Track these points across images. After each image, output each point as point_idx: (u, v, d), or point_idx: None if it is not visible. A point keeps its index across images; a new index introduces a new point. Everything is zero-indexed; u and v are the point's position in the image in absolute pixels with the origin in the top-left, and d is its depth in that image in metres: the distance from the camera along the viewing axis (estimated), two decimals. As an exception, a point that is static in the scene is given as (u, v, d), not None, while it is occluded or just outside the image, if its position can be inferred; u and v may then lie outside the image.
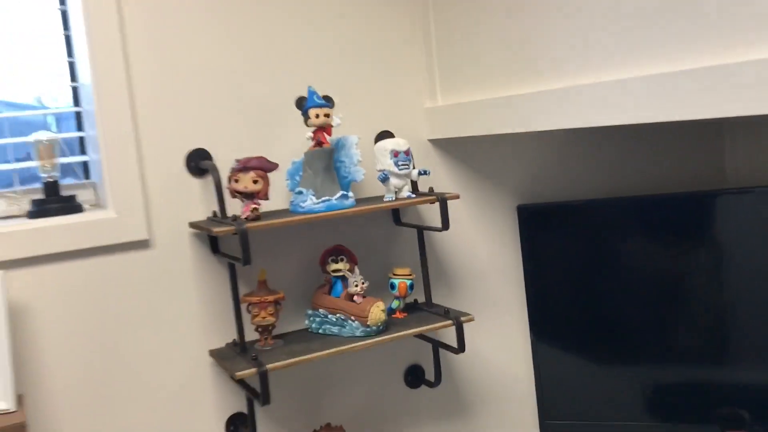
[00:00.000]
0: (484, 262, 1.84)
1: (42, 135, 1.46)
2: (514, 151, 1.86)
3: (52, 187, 1.47)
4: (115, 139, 1.43)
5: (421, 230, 1.65)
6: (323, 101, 1.48)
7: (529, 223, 1.84)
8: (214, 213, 1.48)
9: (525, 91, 1.42)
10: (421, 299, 1.68)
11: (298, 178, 1.52)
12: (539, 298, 1.85)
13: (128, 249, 1.47)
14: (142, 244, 1.48)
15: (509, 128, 1.47)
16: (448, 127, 1.68)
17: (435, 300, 1.74)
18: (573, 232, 1.83)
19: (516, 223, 1.87)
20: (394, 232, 1.72)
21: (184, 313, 1.52)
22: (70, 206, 1.47)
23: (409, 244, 1.71)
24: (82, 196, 1.54)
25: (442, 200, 1.53)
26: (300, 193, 1.47)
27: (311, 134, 1.49)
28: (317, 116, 1.46)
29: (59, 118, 1.62)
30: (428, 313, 1.63)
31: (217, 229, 1.34)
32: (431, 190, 1.58)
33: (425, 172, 1.56)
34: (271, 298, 1.46)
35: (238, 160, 1.40)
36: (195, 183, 1.52)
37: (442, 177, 1.77)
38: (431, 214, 1.74)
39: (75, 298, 1.43)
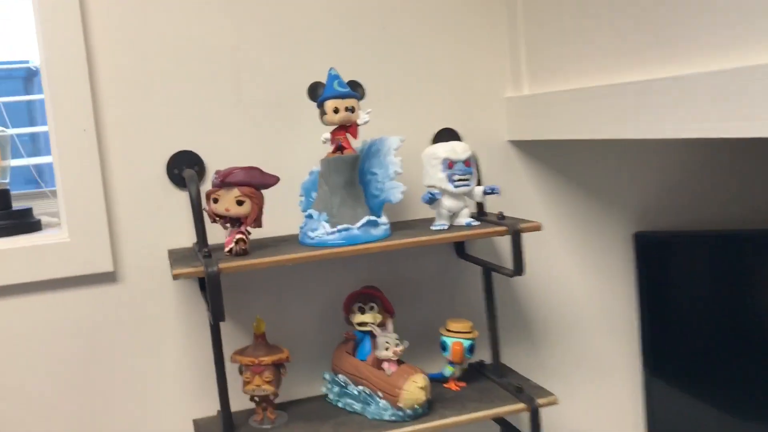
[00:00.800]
0: (583, 307, 1.36)
1: (-17, 129, 1.13)
2: (632, 160, 1.35)
3: (-1, 198, 1.14)
4: (68, 136, 1.07)
5: (488, 270, 1.19)
6: (346, 89, 1.05)
7: (649, 256, 1.35)
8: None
9: (655, 75, 0.93)
10: (490, 359, 1.23)
11: (315, 195, 1.10)
12: (659, 355, 1.36)
13: (87, 283, 1.11)
14: (105, 278, 1.11)
15: (630, 131, 0.98)
16: (538, 124, 1.20)
17: (508, 359, 1.27)
18: (708, 270, 1.36)
19: (631, 257, 1.37)
20: (456, 268, 1.27)
21: (163, 369, 1.15)
22: (22, 224, 1.13)
23: (477, 284, 1.26)
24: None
25: (516, 233, 1.06)
26: (310, 217, 1.05)
27: (328, 135, 1.06)
28: (336, 110, 1.04)
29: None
30: (494, 385, 1.17)
31: (177, 271, 0.94)
32: (502, 215, 1.11)
33: (493, 191, 1.10)
34: (268, 359, 1.06)
35: (218, 172, 1.00)
36: (180, 197, 1.13)
37: (525, 195, 1.30)
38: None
39: (16, 347, 1.08)
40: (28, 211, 1.15)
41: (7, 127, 1.17)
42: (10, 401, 1.09)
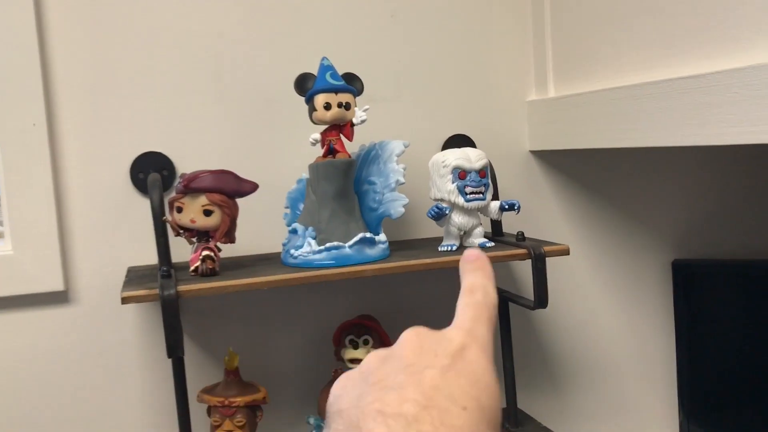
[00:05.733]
0: (613, 345, 1.18)
1: None
2: (673, 177, 1.18)
3: (-63, 202, 0.98)
4: (14, 130, 0.92)
5: (504, 300, 1.01)
6: (341, 82, 0.89)
7: (689, 287, 1.18)
8: (164, 256, 0.92)
9: (708, 69, 0.76)
10: (504, 404, 1.05)
11: (302, 206, 0.94)
12: (698, 399, 1.18)
13: (33, 304, 0.95)
14: (54, 298, 0.95)
15: (677, 137, 0.81)
16: (564, 132, 1.04)
17: (525, 404, 1.10)
18: (755, 303, 1.17)
19: (668, 288, 1.20)
20: (467, 295, 1.10)
21: (118, 407, 0.98)
22: (-37, 232, 0.97)
23: (490, 315, 1.08)
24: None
25: (538, 257, 0.89)
26: (294, 232, 0.89)
27: (318, 136, 0.90)
28: (327, 106, 0.87)
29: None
30: (509, 436, 1.00)
31: (126, 293, 0.78)
32: (521, 235, 0.94)
33: (511, 207, 0.93)
34: (241, 400, 0.90)
35: (183, 176, 0.84)
36: (146, 205, 0.97)
37: (549, 213, 1.13)
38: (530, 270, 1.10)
39: (-53, 376, 0.93)
40: (-29, 219, 0.99)
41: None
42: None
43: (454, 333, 0.39)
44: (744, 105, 0.70)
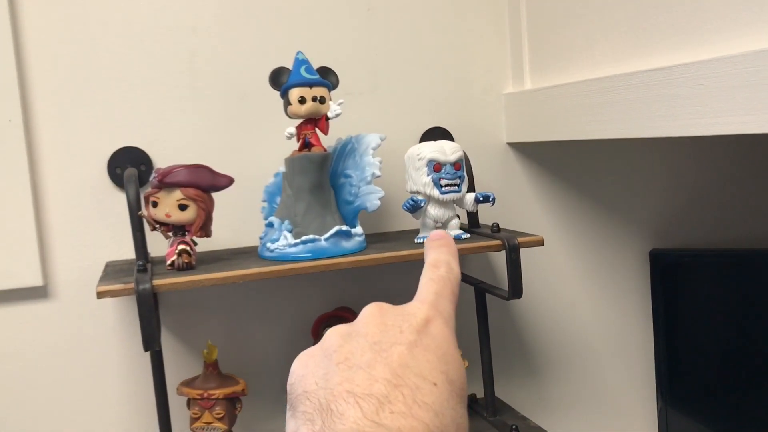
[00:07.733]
0: (590, 334, 1.20)
1: None
2: (650, 167, 1.19)
3: None
4: (-9, 129, 0.92)
5: (481, 291, 1.02)
6: (315, 76, 0.89)
7: (666, 277, 1.19)
8: (141, 251, 0.93)
9: (684, 60, 0.77)
10: (482, 393, 1.06)
11: (279, 200, 0.94)
12: (676, 386, 1.19)
13: (12, 299, 0.95)
14: (33, 293, 0.96)
15: (651, 129, 0.82)
16: (541, 124, 1.05)
17: (503, 394, 1.11)
18: (732, 292, 1.18)
19: (646, 278, 1.21)
20: (445, 287, 1.11)
21: (99, 401, 0.99)
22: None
23: (468, 306, 1.09)
24: None
25: (512, 248, 0.90)
26: (271, 225, 0.89)
27: (294, 130, 0.90)
28: (302, 100, 0.88)
29: None
30: (486, 424, 1.01)
31: (102, 288, 0.78)
32: (496, 227, 0.95)
33: (486, 199, 0.94)
34: (220, 392, 0.91)
35: (158, 170, 0.85)
36: (124, 201, 0.97)
37: (526, 204, 1.14)
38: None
39: (-74, 372, 0.93)
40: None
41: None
42: None
43: (416, 307, 0.38)
44: (709, 96, 0.71)
